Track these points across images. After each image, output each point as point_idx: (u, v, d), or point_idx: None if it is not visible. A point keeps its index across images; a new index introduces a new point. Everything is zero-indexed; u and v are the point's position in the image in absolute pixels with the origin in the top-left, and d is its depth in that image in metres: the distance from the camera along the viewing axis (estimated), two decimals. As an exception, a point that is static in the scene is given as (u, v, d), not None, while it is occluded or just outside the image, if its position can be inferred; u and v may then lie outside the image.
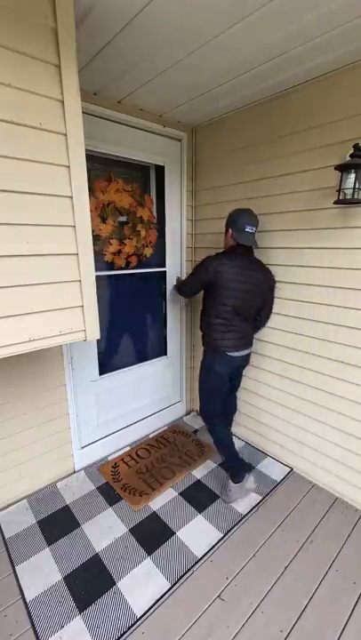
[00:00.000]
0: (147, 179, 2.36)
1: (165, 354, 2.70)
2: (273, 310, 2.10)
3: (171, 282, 2.55)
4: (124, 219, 2.13)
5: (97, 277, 1.33)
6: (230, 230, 1.83)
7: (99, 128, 1.92)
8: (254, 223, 1.81)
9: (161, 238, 2.40)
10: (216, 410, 2.02)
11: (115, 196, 2.04)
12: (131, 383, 2.50)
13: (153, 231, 2.29)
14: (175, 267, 2.55)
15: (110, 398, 2.39)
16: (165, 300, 2.58)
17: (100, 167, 2.06)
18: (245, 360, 2.03)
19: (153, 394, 2.69)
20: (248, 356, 2.03)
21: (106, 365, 2.33)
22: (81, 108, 1.14)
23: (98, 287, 1.34)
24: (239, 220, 1.80)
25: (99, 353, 2.24)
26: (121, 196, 2.07)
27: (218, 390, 1.99)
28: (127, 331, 2.46)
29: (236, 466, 2.00)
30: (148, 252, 2.30)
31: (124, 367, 2.44)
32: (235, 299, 1.80)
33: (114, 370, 2.38)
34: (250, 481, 2.00)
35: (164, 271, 2.49)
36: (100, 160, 2.05)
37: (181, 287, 2.09)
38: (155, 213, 2.33)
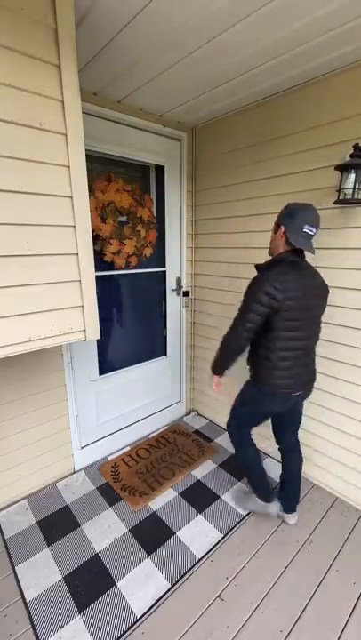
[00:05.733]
0: (147, 179, 2.36)
1: (165, 354, 2.70)
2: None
3: (171, 282, 2.55)
4: (124, 219, 2.13)
5: (97, 277, 1.34)
6: (282, 227, 1.42)
7: (99, 128, 1.92)
8: (316, 223, 1.39)
9: (161, 238, 2.40)
10: None
11: (115, 196, 2.04)
12: (131, 383, 2.50)
13: (153, 231, 2.29)
14: (175, 267, 2.55)
15: (110, 398, 2.39)
16: (165, 299, 2.58)
17: (100, 167, 2.06)
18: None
19: (153, 394, 2.68)
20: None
21: (106, 365, 2.33)
22: (81, 108, 1.14)
23: (98, 287, 1.34)
24: (298, 214, 1.38)
25: (99, 353, 2.24)
26: (121, 196, 2.07)
27: None
28: (127, 331, 2.46)
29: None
30: (148, 251, 2.30)
31: (124, 367, 2.43)
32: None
33: (114, 370, 2.38)
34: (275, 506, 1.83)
35: (164, 271, 2.49)
36: (100, 160, 2.05)
37: (231, 336, 1.49)
38: (155, 213, 2.33)
